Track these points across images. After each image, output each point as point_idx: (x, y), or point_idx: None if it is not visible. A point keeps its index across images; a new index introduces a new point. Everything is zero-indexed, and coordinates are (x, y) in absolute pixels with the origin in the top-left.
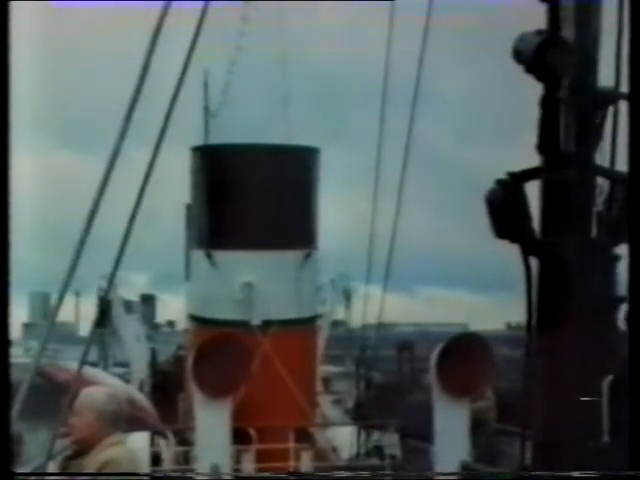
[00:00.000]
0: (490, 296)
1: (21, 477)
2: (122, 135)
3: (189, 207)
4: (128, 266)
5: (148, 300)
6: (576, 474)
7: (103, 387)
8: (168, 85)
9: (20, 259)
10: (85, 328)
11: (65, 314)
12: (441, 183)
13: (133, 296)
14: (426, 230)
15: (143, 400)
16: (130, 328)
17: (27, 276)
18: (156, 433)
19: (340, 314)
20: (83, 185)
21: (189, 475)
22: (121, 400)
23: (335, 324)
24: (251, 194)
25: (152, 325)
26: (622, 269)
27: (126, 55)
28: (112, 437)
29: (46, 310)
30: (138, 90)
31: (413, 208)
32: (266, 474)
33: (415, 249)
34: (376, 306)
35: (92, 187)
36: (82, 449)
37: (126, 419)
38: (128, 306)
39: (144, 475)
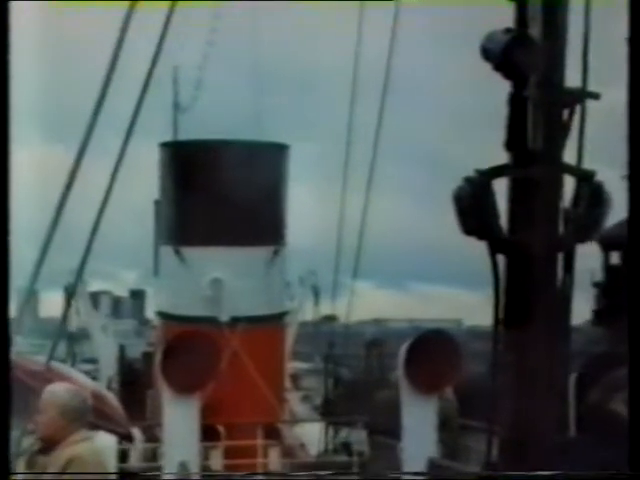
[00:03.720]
0: (485, 292)
1: (19, 477)
2: (89, 131)
3: (158, 203)
4: (117, 262)
5: (138, 295)
6: (576, 474)
7: (66, 384)
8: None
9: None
10: (73, 324)
11: (54, 310)
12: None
13: (123, 292)
14: (418, 226)
15: (111, 398)
16: (98, 324)
17: (15, 271)
18: (122, 437)
19: (309, 311)
20: (89, 188)
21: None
22: (85, 397)
23: (328, 319)
24: (220, 190)
25: (142, 320)
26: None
27: (126, 54)
28: (78, 434)
29: (34, 305)
30: (106, 85)
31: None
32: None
33: (408, 246)
34: (365, 303)
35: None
36: (48, 446)
37: (94, 417)
38: (117, 302)
39: (144, 475)
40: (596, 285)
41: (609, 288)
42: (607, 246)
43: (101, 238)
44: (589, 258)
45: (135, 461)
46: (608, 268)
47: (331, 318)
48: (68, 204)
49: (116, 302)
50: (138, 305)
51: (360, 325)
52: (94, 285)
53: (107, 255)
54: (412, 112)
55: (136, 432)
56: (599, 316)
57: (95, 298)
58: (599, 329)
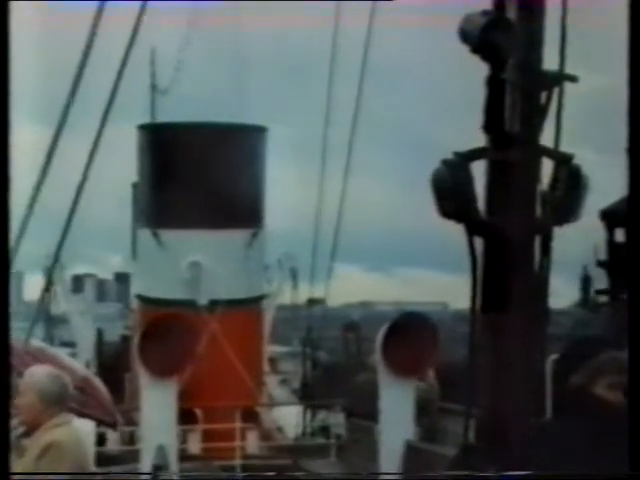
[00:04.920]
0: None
1: (17, 477)
2: (65, 113)
3: (135, 185)
4: (103, 245)
5: (122, 279)
6: (576, 474)
7: (47, 367)
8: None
9: None
10: (57, 307)
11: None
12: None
13: (108, 275)
14: (404, 210)
15: (100, 384)
16: (76, 308)
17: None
18: (109, 425)
19: (287, 294)
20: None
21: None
22: (66, 381)
23: (313, 302)
24: (198, 173)
25: (127, 304)
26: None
27: (103, 37)
28: (57, 418)
29: (18, 288)
30: (82, 67)
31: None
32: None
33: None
34: (351, 286)
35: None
36: (29, 429)
37: (83, 403)
38: (102, 285)
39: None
40: (600, 264)
41: (613, 266)
42: (611, 223)
43: (86, 221)
44: (592, 235)
45: (113, 445)
46: (612, 245)
47: (316, 301)
48: (55, 186)
49: (101, 285)
50: (123, 288)
51: (346, 308)
52: (79, 268)
53: (92, 238)
54: (392, 95)
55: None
56: (603, 296)
57: (80, 281)
58: (586, 312)
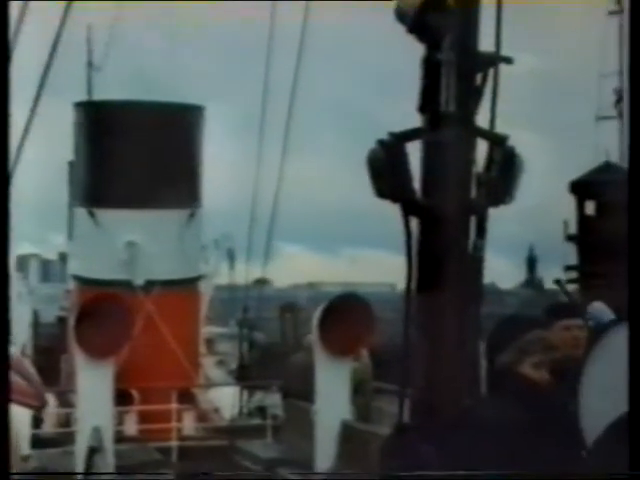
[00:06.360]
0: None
1: (17, 477)
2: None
3: (72, 164)
4: (46, 225)
5: (66, 259)
6: (576, 474)
7: None
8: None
9: None
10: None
11: None
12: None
13: (51, 255)
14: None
15: (27, 365)
16: (17, 289)
17: None
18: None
19: (225, 275)
20: None
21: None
22: None
23: (259, 283)
24: (134, 151)
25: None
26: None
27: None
28: None
29: None
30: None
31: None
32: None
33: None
34: (296, 267)
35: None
36: None
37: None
38: (46, 265)
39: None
40: (570, 238)
41: (584, 240)
42: (581, 195)
43: (30, 200)
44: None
45: (49, 427)
46: (582, 219)
47: (261, 282)
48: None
49: (45, 265)
50: (66, 269)
51: (292, 289)
52: (24, 248)
53: (36, 218)
54: (334, 74)
55: (50, 398)
56: (573, 272)
57: (24, 261)
58: (532, 292)
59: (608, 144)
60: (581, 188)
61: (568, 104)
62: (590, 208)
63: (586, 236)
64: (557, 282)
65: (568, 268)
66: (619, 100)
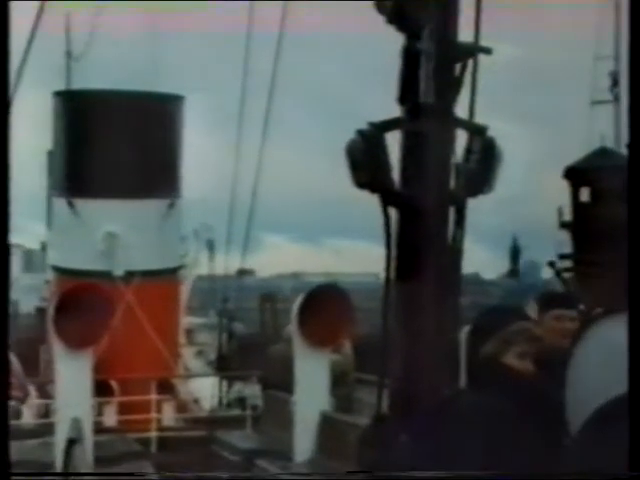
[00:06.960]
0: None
1: (18, 477)
2: None
3: (51, 153)
4: (29, 214)
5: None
6: (576, 474)
7: None
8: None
9: None
10: None
11: None
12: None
13: (34, 244)
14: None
15: (11, 358)
16: None
17: None
18: (19, 400)
19: (204, 265)
20: None
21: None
22: None
23: (242, 273)
24: (114, 141)
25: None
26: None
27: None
28: None
29: None
30: None
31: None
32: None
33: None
34: (279, 257)
35: None
36: None
37: None
38: (29, 255)
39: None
40: (564, 225)
41: (578, 227)
42: (576, 182)
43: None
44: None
45: (28, 418)
46: (577, 205)
47: (245, 272)
48: None
49: (28, 255)
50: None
51: (274, 279)
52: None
53: (19, 207)
54: (314, 63)
55: (30, 389)
56: (567, 259)
57: None
58: (515, 282)
59: (603, 129)
60: (576, 174)
61: (561, 90)
62: (585, 195)
63: (581, 224)
64: (551, 264)
65: (562, 256)
66: (615, 84)
